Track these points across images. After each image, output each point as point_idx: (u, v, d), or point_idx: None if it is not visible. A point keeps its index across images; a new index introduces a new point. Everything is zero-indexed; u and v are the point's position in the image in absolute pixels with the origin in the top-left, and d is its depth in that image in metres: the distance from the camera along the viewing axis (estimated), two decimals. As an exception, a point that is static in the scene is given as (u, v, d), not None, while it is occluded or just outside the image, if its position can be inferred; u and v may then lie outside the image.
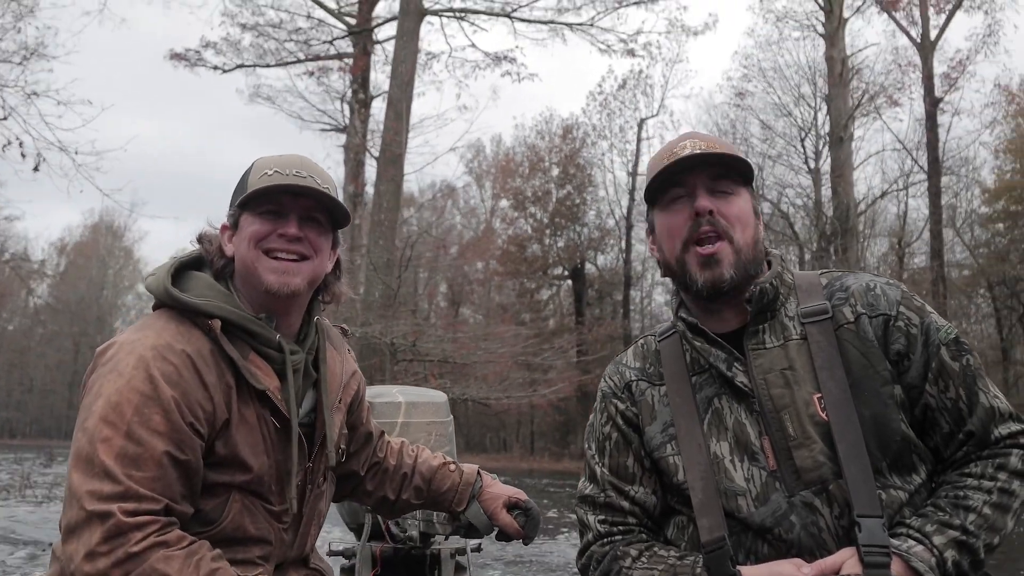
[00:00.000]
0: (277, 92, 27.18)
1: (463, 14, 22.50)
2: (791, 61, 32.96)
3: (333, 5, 24.46)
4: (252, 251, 1.82)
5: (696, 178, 1.80)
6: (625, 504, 1.87)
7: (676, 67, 49.28)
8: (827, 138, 28.64)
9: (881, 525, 1.58)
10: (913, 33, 31.52)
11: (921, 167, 31.88)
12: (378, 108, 23.84)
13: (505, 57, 23.53)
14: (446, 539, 3.19)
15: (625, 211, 39.19)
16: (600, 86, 46.01)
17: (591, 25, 22.99)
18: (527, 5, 22.65)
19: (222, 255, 1.89)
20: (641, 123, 38.56)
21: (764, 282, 1.79)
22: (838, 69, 25.52)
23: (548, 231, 40.94)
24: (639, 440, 1.89)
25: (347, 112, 25.27)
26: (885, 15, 30.80)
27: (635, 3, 23.41)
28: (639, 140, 38.74)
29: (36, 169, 15.10)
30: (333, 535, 4.36)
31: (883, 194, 33.38)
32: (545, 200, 40.80)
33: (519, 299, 41.76)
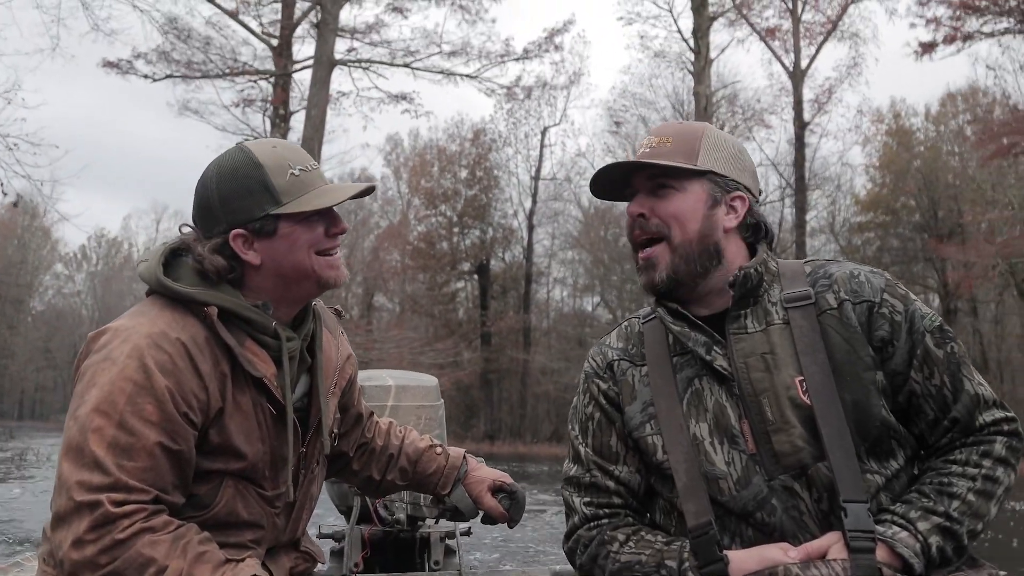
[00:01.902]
0: (203, 104, 28.99)
1: (368, 64, 25.86)
2: (662, 94, 36.41)
3: (256, 27, 26.88)
4: (309, 257, 1.80)
5: (638, 177, 1.81)
6: (610, 484, 1.84)
7: (579, 79, 52.25)
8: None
9: (866, 510, 1.57)
10: (787, 61, 35.02)
11: (789, 184, 35.42)
12: (297, 121, 26.46)
13: (404, 97, 26.94)
14: (436, 523, 3.22)
15: (528, 213, 41.59)
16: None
17: (476, 76, 26.87)
18: (423, 58, 26.23)
19: (230, 262, 1.78)
20: (544, 131, 40.95)
21: (749, 267, 1.76)
22: (703, 103, 28.53)
23: (456, 229, 42.74)
24: (621, 419, 1.86)
25: (268, 125, 27.71)
26: (762, 43, 34.23)
27: (514, 59, 27.71)
28: (542, 147, 41.23)
29: (16, 205, 17.19)
30: (323, 518, 4.65)
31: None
32: (454, 199, 42.59)
33: (429, 292, 43.19)
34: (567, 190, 41.21)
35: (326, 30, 23.89)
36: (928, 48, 25.55)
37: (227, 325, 1.75)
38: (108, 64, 27.17)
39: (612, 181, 1.86)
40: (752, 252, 1.86)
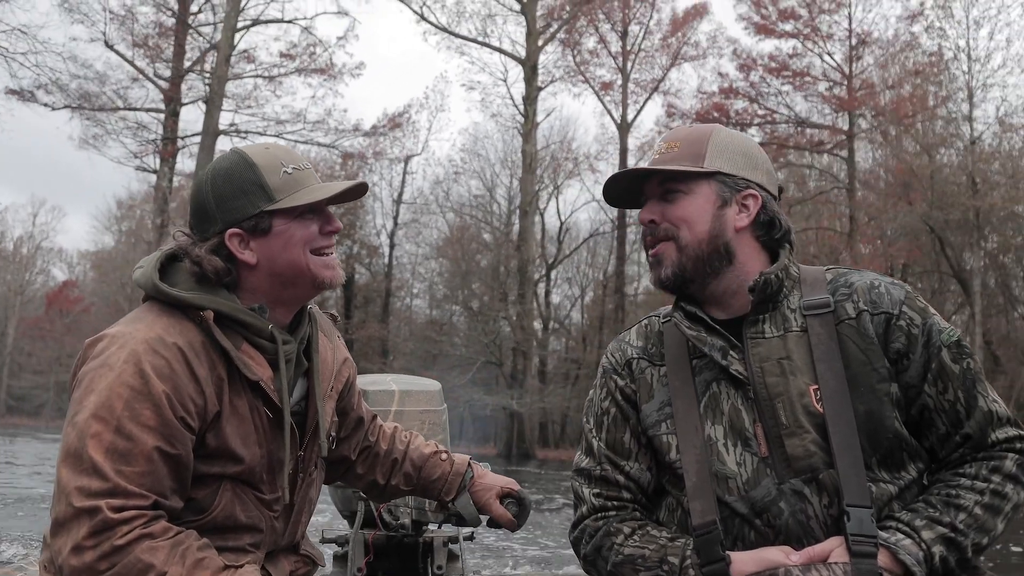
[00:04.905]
0: (99, 137, 32.48)
1: (246, 134, 32.29)
2: (493, 151, 41.84)
3: (151, 72, 31.63)
4: (304, 255, 1.79)
5: (648, 184, 1.83)
6: (620, 479, 1.85)
7: (440, 115, 57.07)
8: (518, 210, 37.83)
9: (870, 516, 1.57)
10: (616, 115, 40.67)
11: (612, 221, 41.14)
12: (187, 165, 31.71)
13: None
14: (439, 527, 3.21)
15: (389, 233, 45.64)
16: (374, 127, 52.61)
17: (333, 146, 34.41)
18: (291, 131, 33.22)
19: (226, 263, 1.77)
20: (407, 160, 44.09)
21: (771, 272, 1.75)
22: (528, 160, 33.97)
23: (325, 246, 46.60)
24: (636, 417, 1.86)
25: (158, 161, 32.38)
26: (596, 96, 39.77)
27: (363, 135, 35.27)
28: (404, 174, 44.86)
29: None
30: (326, 522, 4.38)
31: (584, 241, 42.80)
32: (324, 218, 46.53)
33: (299, 301, 46.72)
34: (431, 207, 45.00)
35: (213, 107, 29.55)
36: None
37: (223, 329, 1.73)
38: (11, 92, 30.77)
39: (625, 189, 1.89)
40: (767, 251, 1.85)
